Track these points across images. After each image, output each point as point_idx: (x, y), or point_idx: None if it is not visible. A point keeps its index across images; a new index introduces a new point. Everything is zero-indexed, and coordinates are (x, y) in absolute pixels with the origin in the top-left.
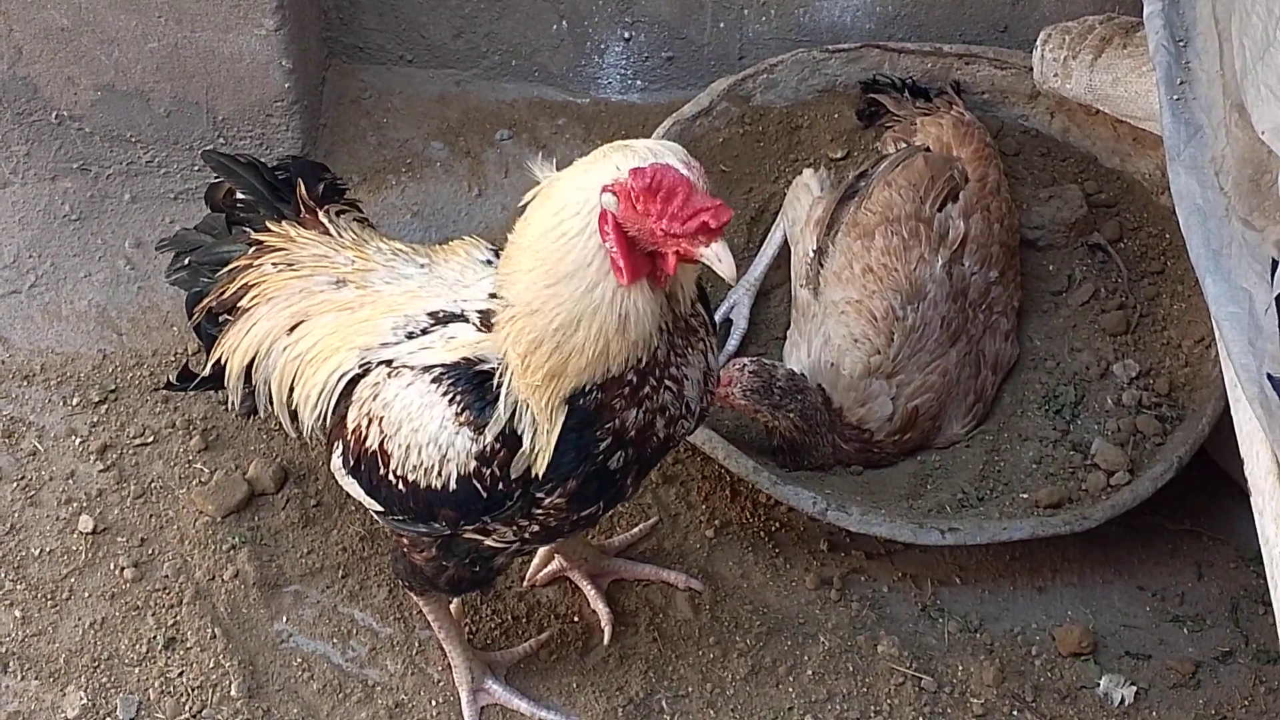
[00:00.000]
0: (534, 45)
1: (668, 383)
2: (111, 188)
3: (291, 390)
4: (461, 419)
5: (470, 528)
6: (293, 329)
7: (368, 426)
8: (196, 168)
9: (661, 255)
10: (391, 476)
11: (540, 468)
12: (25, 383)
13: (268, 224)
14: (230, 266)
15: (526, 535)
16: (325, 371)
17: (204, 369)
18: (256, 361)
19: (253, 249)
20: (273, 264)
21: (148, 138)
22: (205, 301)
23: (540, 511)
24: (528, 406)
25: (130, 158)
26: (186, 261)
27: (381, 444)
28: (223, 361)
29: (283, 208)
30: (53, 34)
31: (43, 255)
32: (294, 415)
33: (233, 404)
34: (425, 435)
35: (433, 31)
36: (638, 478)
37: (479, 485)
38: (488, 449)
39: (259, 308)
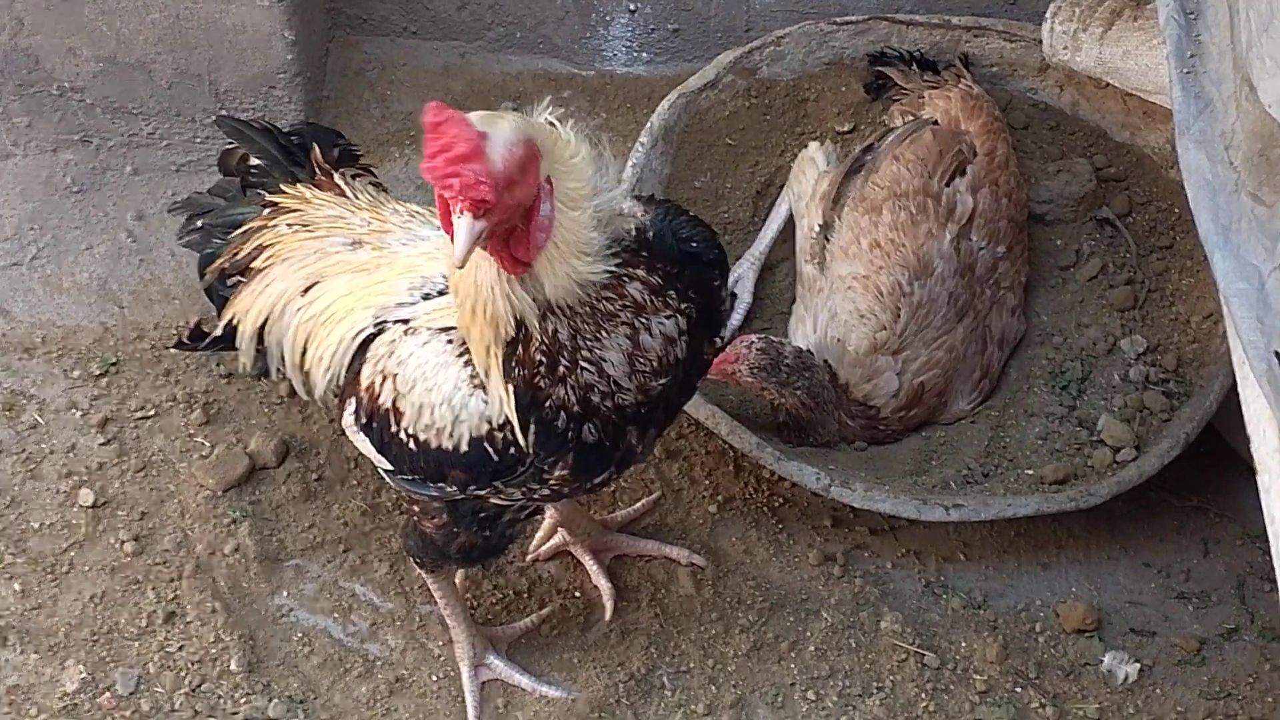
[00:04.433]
0: (539, 17)
1: (582, 365)
2: (113, 160)
3: (304, 351)
4: (476, 381)
5: (480, 491)
6: (307, 290)
7: (381, 383)
8: (199, 140)
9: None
10: (403, 435)
11: (518, 437)
12: (26, 355)
13: (283, 186)
14: (244, 228)
15: (535, 497)
16: (340, 332)
17: (216, 329)
18: (270, 323)
19: (267, 210)
20: (288, 225)
21: (149, 110)
22: (219, 262)
23: (549, 478)
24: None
25: (132, 130)
26: (199, 224)
27: (394, 401)
28: (235, 322)
29: (297, 171)
30: (54, 5)
31: (44, 228)
32: (306, 376)
33: (244, 365)
34: (439, 395)
35: (437, 3)
36: (643, 439)
37: (490, 449)
38: (498, 417)
39: (273, 268)
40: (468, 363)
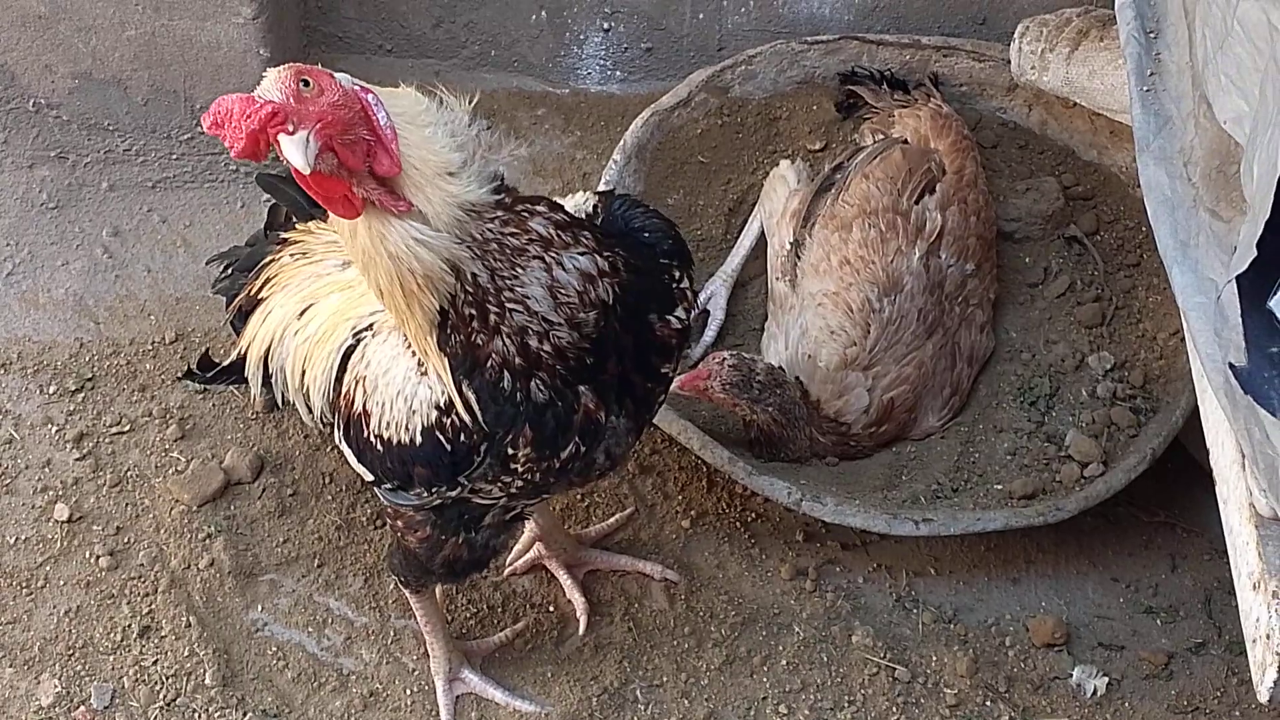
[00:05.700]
0: (513, 35)
1: (510, 306)
2: (89, 176)
3: (304, 374)
4: (421, 370)
5: (449, 491)
6: (302, 313)
7: (355, 388)
8: (175, 156)
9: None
10: (372, 437)
11: (464, 414)
12: (1, 371)
13: (295, 225)
14: (258, 266)
15: (513, 490)
16: (326, 349)
17: (227, 359)
18: (272, 349)
19: (278, 247)
20: (290, 255)
21: (125, 126)
22: (237, 300)
23: (516, 463)
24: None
25: (108, 146)
26: (229, 272)
27: (364, 405)
28: (244, 352)
29: (315, 212)
30: (30, 21)
31: (20, 243)
32: (307, 399)
33: (254, 397)
34: (394, 389)
35: (412, 21)
36: (604, 405)
37: (441, 437)
38: (443, 399)
39: (275, 296)
40: (415, 353)
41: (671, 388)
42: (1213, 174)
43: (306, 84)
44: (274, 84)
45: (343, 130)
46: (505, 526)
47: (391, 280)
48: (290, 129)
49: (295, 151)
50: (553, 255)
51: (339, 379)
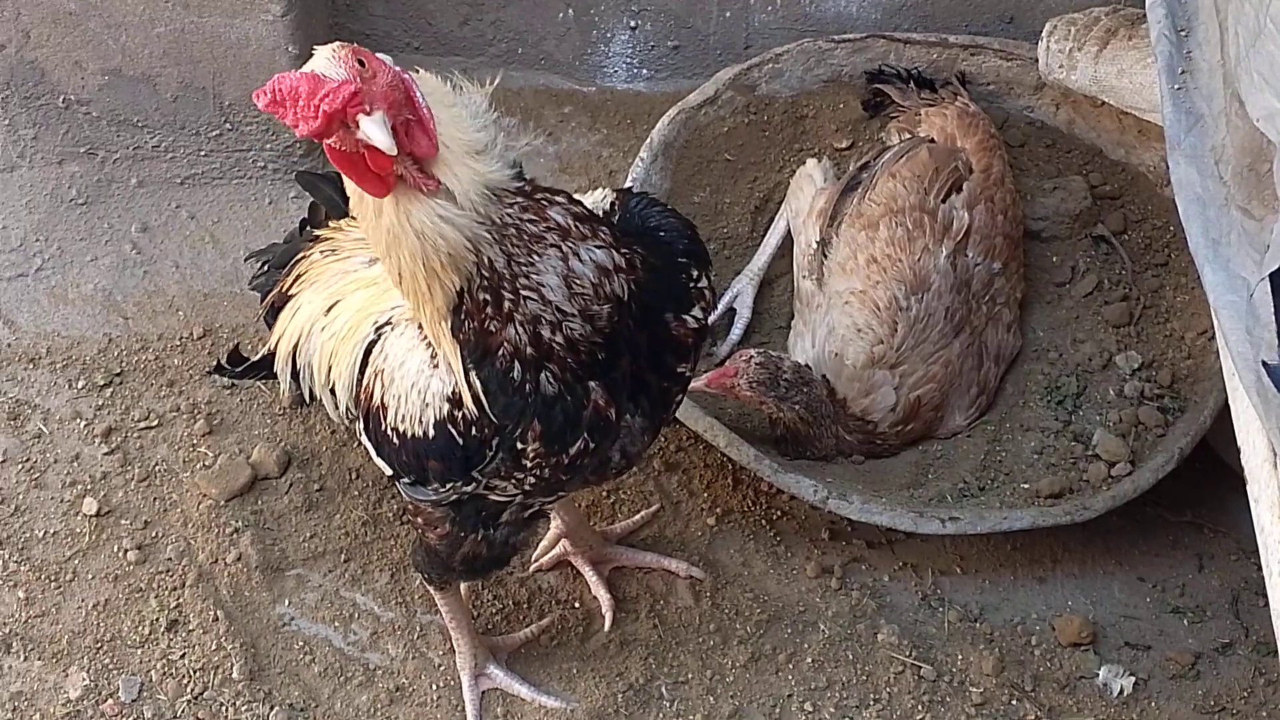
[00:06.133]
0: (540, 33)
1: (524, 293)
2: (118, 172)
3: (330, 370)
4: (434, 362)
5: (464, 486)
6: (329, 310)
7: (374, 381)
8: (203, 153)
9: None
10: (388, 430)
11: (471, 404)
12: (31, 365)
13: (329, 223)
14: (292, 262)
15: (526, 487)
16: (350, 345)
17: (257, 354)
18: (299, 345)
19: (311, 243)
20: (320, 252)
21: (154, 122)
22: (270, 296)
23: (526, 458)
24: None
25: (137, 142)
26: (265, 268)
27: (382, 398)
28: (273, 348)
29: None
30: (60, 18)
31: (49, 239)
32: (334, 395)
33: (283, 392)
34: (408, 382)
35: (439, 19)
36: (615, 403)
37: (453, 430)
38: (454, 391)
39: (303, 293)
40: (430, 345)
41: (699, 385)
42: (1244, 172)
43: (362, 64)
44: (334, 62)
45: (396, 112)
46: (525, 524)
47: (415, 259)
48: (368, 109)
49: (379, 132)
50: (570, 245)
51: (361, 373)
